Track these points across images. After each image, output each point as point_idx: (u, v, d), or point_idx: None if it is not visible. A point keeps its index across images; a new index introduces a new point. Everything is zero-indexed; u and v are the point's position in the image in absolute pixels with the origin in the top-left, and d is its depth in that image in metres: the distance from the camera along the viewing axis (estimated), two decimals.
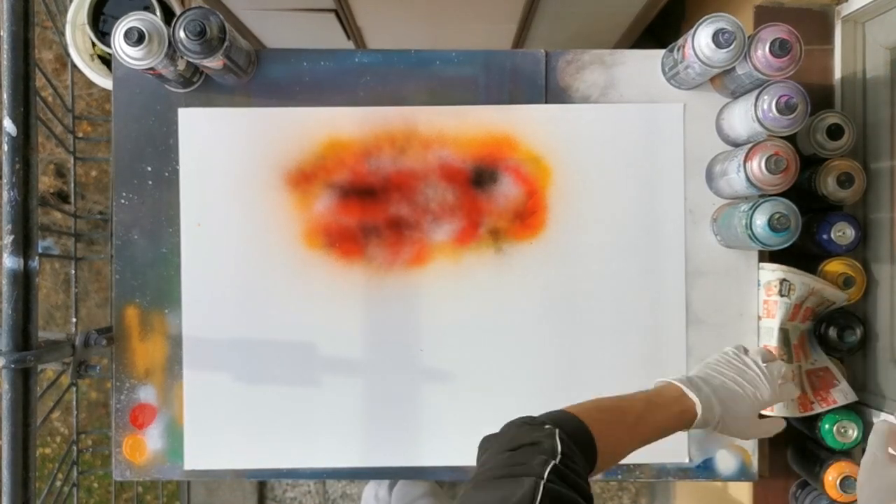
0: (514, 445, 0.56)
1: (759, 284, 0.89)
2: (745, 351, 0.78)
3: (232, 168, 0.88)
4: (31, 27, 0.67)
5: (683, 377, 0.73)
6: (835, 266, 0.87)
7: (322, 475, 0.91)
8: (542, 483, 0.50)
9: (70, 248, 1.30)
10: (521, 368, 0.89)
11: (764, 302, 0.88)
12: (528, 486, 0.50)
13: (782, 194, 0.80)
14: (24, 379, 0.68)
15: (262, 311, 0.88)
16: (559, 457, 0.54)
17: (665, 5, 1.33)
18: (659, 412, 0.69)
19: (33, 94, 0.68)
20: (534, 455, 0.54)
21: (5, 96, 0.67)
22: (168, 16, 1.01)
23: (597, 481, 1.44)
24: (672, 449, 0.89)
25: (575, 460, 0.56)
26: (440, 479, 1.14)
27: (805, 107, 0.77)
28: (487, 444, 0.61)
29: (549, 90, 0.90)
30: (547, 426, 0.59)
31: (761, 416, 0.76)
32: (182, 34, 0.75)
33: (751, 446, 0.90)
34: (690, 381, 0.72)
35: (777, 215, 0.77)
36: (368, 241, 0.89)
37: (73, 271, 1.09)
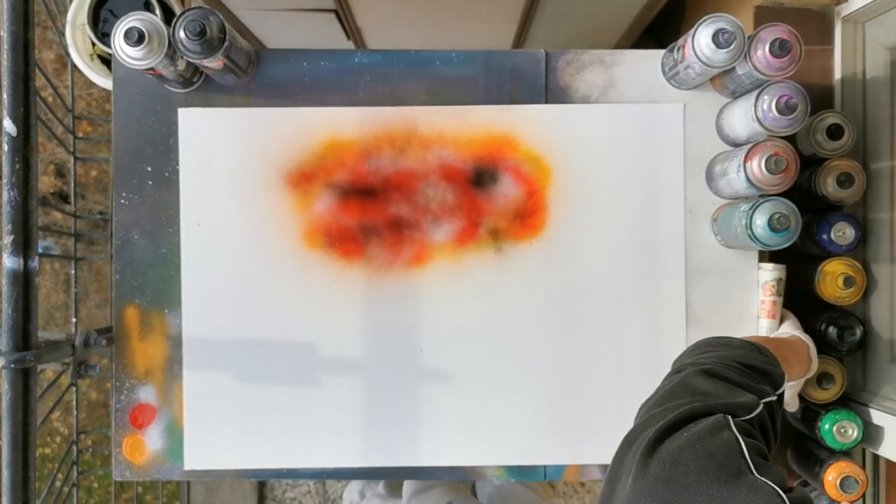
0: (748, 363, 0.64)
1: (758, 284, 0.89)
2: None
3: (232, 168, 0.88)
4: (31, 27, 0.67)
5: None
6: (835, 266, 0.87)
7: (322, 475, 0.91)
8: (762, 403, 0.58)
9: (70, 248, 1.30)
10: (521, 368, 0.89)
11: (762, 302, 0.88)
12: (751, 400, 0.57)
13: (782, 194, 0.80)
14: (24, 379, 0.68)
15: (261, 311, 0.88)
16: (776, 397, 0.62)
17: (665, 5, 1.33)
18: (802, 354, 0.80)
19: (33, 94, 0.68)
20: (763, 382, 0.62)
21: (5, 96, 0.67)
22: (168, 16, 1.01)
23: (590, 479, 1.44)
24: None
25: (780, 405, 0.64)
26: (440, 480, 1.14)
27: (805, 107, 0.77)
28: (709, 347, 0.68)
29: (549, 90, 0.90)
30: (773, 366, 0.67)
31: None
32: (182, 34, 0.75)
33: None
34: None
35: (777, 215, 0.77)
36: (368, 241, 0.89)
37: (73, 271, 1.09)
